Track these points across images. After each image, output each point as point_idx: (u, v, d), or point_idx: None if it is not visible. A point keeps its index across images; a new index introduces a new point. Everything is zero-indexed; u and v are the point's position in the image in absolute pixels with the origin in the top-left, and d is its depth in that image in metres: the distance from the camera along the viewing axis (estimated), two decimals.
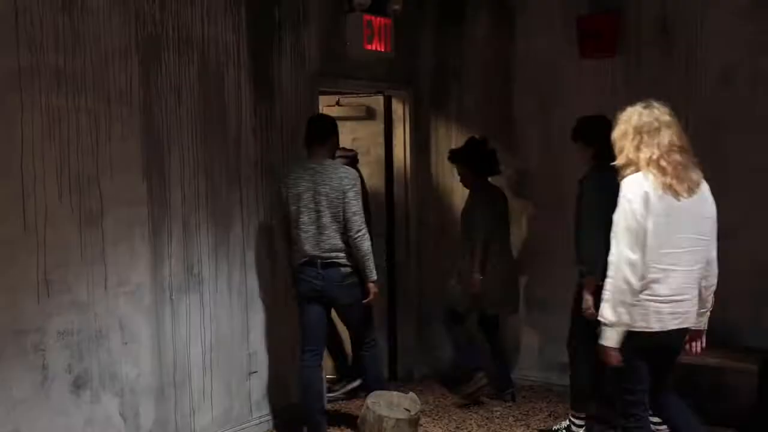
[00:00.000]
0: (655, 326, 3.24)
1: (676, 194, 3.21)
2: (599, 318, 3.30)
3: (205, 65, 4.30)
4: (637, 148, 3.27)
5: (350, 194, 4.31)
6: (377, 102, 5.81)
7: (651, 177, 3.21)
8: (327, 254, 4.33)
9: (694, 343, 3.49)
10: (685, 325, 3.33)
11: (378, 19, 5.21)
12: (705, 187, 3.33)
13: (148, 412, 4.07)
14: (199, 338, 4.33)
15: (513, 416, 4.99)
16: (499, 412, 5.07)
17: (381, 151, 5.84)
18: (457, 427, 4.83)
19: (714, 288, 3.42)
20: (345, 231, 4.32)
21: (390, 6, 5.28)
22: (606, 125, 3.68)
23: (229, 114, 4.45)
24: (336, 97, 5.83)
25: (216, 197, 4.39)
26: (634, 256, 3.19)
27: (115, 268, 3.89)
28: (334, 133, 4.53)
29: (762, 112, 4.58)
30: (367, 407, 4.13)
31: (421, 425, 4.57)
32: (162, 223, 4.11)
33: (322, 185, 4.31)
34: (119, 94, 3.89)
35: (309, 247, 4.33)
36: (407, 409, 4.15)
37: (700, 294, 3.37)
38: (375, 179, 5.79)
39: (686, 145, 3.29)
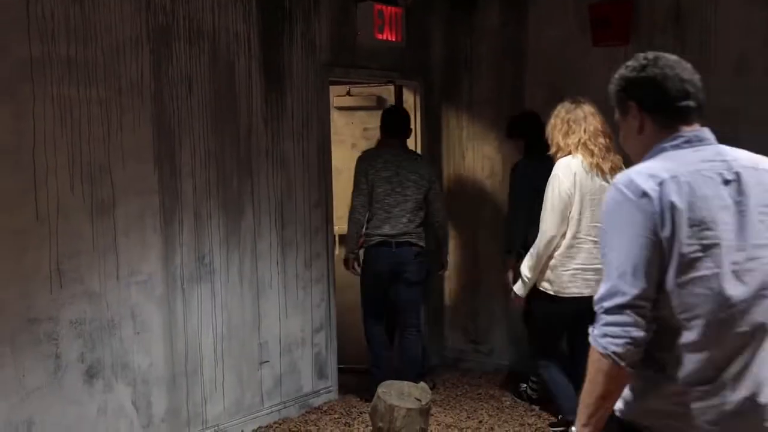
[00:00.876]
0: (586, 291, 3.76)
1: (602, 173, 3.74)
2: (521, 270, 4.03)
3: (215, 55, 4.30)
4: (566, 135, 3.82)
5: (436, 185, 5.00)
6: (388, 92, 5.79)
7: (580, 158, 3.77)
8: (402, 235, 4.80)
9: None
10: None
11: (389, 8, 5.20)
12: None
13: (160, 401, 4.09)
14: (210, 328, 4.34)
15: (523, 406, 4.98)
16: (509, 402, 5.07)
17: None
18: (468, 417, 4.83)
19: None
20: (425, 215, 4.91)
21: None
22: (533, 119, 4.29)
23: (240, 103, 4.45)
24: (347, 87, 5.82)
25: (227, 187, 4.40)
26: (552, 233, 3.78)
27: (127, 258, 3.91)
28: (410, 125, 5.17)
29: None
30: (378, 396, 4.13)
31: (432, 415, 4.57)
32: (173, 213, 4.12)
33: (413, 173, 4.85)
34: (130, 84, 3.89)
35: (388, 228, 4.79)
36: (418, 399, 4.15)
37: None
38: None
39: (609, 132, 3.76)
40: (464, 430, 4.64)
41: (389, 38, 5.24)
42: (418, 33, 5.62)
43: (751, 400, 1.86)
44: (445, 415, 4.85)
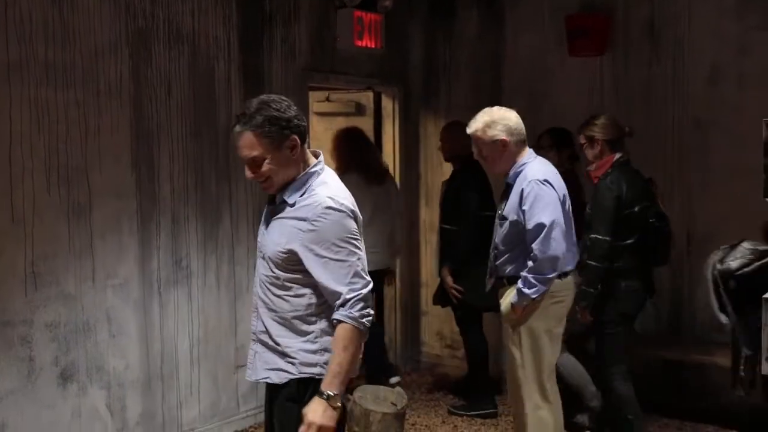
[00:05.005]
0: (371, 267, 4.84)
1: (370, 183, 4.91)
2: None
3: (195, 59, 4.30)
4: (349, 152, 5.00)
5: None
6: (367, 98, 5.82)
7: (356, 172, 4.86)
8: None
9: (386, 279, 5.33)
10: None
11: (368, 15, 5.23)
12: (391, 181, 5.26)
13: (135, 404, 4.08)
14: (186, 331, 4.34)
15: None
16: None
17: None
18: (443, 422, 4.86)
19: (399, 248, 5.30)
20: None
21: (380, 2, 5.29)
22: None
23: (219, 108, 4.45)
24: (326, 93, 5.84)
25: (205, 191, 4.40)
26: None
27: (103, 261, 3.89)
28: None
29: (748, 111, 4.62)
30: (354, 401, 4.14)
31: (408, 419, 4.59)
32: (150, 217, 4.12)
33: None
34: (109, 87, 3.88)
35: None
36: (394, 404, 4.15)
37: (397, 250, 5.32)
38: None
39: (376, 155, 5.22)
40: None
41: (368, 45, 5.27)
42: (397, 40, 5.65)
43: None
44: (421, 420, 4.88)
